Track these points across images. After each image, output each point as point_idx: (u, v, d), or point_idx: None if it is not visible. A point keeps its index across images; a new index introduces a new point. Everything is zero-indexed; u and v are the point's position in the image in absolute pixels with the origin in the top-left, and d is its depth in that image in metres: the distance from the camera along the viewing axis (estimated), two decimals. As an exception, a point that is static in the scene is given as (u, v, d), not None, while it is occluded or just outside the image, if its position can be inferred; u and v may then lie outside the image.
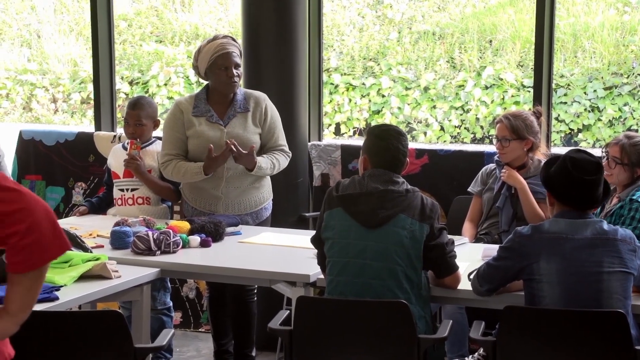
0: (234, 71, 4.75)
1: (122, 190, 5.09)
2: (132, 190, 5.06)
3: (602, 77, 8.81)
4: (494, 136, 4.89)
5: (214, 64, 4.76)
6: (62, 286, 3.73)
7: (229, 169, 4.77)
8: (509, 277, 3.60)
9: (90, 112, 9.73)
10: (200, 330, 5.90)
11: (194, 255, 4.33)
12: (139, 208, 5.03)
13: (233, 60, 4.75)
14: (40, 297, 3.55)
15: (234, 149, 4.64)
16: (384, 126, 4.02)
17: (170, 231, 4.35)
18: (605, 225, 3.53)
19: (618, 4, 9.26)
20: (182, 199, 5.00)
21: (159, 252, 4.27)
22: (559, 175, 3.56)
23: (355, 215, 3.69)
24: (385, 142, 3.76)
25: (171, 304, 5.01)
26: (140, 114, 5.04)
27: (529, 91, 8.67)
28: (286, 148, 4.92)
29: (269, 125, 4.86)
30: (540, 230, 3.53)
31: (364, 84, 9.30)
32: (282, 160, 4.88)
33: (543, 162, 4.81)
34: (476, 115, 8.93)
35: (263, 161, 4.78)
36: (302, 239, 4.51)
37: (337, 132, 9.10)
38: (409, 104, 9.11)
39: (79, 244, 4.18)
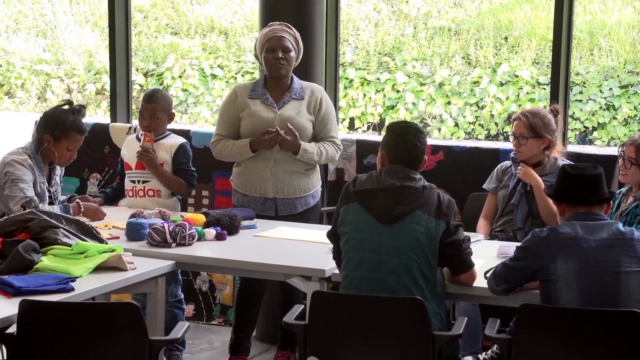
0: (281, 54, 4.85)
1: (133, 181, 5.10)
2: (144, 182, 5.07)
3: (618, 76, 8.77)
4: (511, 133, 4.87)
5: (264, 48, 4.89)
6: (77, 277, 3.73)
7: (278, 150, 4.85)
8: (525, 278, 3.59)
9: (105, 103, 9.75)
10: (212, 322, 5.90)
11: (210, 248, 4.33)
12: (149, 200, 5.03)
13: (281, 44, 4.85)
14: (55, 288, 3.58)
15: (281, 135, 4.75)
16: (403, 123, 4.01)
17: (186, 224, 4.35)
18: (621, 227, 3.53)
19: (635, 2, 9.21)
20: (233, 189, 5.05)
21: (174, 244, 4.27)
22: (561, 182, 3.65)
23: (372, 211, 3.69)
24: (403, 138, 3.76)
25: (182, 296, 5.01)
26: (155, 107, 5.05)
27: (544, 88, 8.65)
28: (338, 141, 5.01)
29: (322, 116, 4.96)
30: (557, 231, 3.53)
31: (378, 79, 9.29)
32: (330, 151, 4.94)
33: (559, 159, 4.81)
34: (491, 111, 8.91)
35: (309, 146, 4.88)
36: (317, 233, 4.51)
37: (351, 126, 9.09)
38: (423, 100, 9.10)
39: (95, 235, 4.19)
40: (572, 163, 3.71)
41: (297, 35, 4.95)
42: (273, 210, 4.93)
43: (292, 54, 4.90)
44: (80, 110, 4.82)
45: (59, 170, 4.97)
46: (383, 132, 3.97)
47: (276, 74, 4.91)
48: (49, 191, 4.82)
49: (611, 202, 3.69)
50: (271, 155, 4.87)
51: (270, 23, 4.98)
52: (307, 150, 4.85)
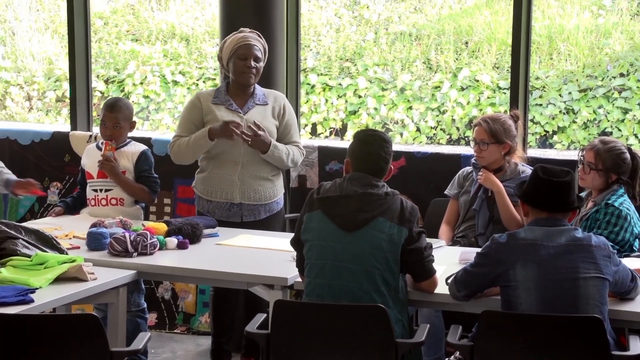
0: (253, 63, 4.86)
1: (95, 190, 5.06)
2: (106, 191, 5.04)
3: (577, 80, 8.85)
4: (472, 139, 4.90)
5: (235, 54, 4.88)
6: (37, 288, 3.70)
7: (245, 154, 4.86)
8: (485, 284, 3.62)
9: (65, 111, 9.66)
10: (175, 331, 5.87)
11: (171, 257, 4.31)
12: (112, 209, 5.00)
13: (253, 53, 4.87)
14: (15, 300, 3.54)
15: (250, 131, 4.75)
16: (370, 131, 4.05)
17: (147, 233, 4.33)
18: (579, 233, 3.56)
19: (593, 7, 9.30)
20: (196, 195, 5.04)
21: (135, 253, 4.24)
22: (530, 183, 3.64)
23: (334, 218, 3.69)
24: (367, 147, 3.78)
25: (145, 305, 4.97)
26: (118, 116, 5.03)
27: (505, 93, 8.70)
28: (301, 145, 5.07)
29: (286, 121, 5.00)
30: (515, 237, 3.56)
31: (340, 84, 9.30)
32: (296, 153, 5.00)
33: (519, 165, 4.85)
34: (452, 116, 8.95)
35: (278, 144, 4.90)
36: (279, 241, 4.50)
37: (314, 132, 9.09)
38: (385, 105, 9.11)
39: (55, 246, 4.16)
40: (546, 165, 3.61)
41: (266, 45, 4.98)
42: (239, 216, 4.93)
43: (261, 64, 4.93)
44: None
45: None
46: (346, 138, 3.99)
47: (245, 82, 4.91)
48: None
49: (578, 210, 3.70)
50: (238, 160, 4.88)
51: (241, 29, 4.97)
52: (277, 147, 4.87)
